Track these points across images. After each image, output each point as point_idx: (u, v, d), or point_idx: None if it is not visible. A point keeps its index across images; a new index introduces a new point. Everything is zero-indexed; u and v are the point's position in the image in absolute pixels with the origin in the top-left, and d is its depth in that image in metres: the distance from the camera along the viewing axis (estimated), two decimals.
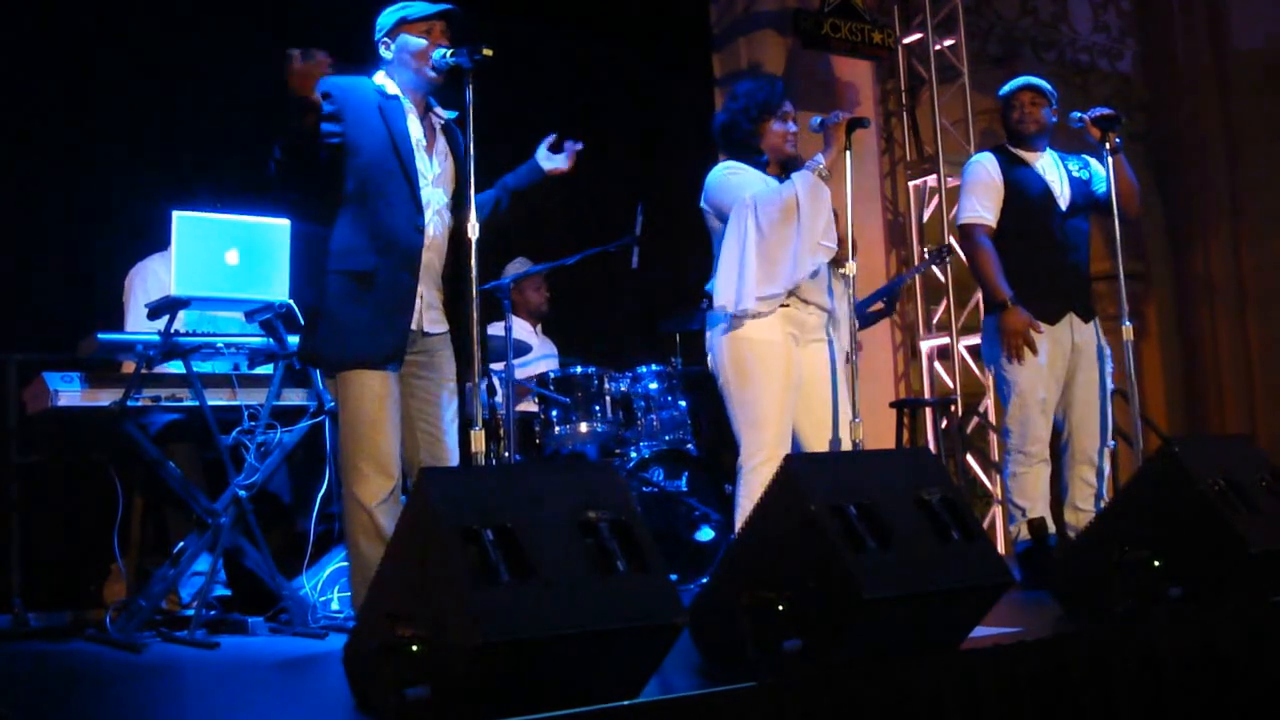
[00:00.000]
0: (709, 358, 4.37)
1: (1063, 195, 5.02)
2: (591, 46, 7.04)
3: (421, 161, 3.87)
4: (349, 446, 3.75)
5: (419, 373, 3.89)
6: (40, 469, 4.83)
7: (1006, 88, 5.17)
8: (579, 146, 4.15)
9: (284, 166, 3.67)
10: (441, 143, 3.96)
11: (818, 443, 4.28)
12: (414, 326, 3.82)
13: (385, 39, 3.91)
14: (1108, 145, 4.86)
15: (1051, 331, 4.93)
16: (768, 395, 4.20)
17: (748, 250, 4.17)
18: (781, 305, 4.23)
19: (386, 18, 3.91)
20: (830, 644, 2.83)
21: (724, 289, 4.21)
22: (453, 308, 3.92)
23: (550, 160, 4.13)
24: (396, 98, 3.88)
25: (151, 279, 4.87)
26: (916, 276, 7.91)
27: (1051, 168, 5.08)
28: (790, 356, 4.24)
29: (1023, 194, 5.01)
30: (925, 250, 7.93)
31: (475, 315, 3.63)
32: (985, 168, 5.08)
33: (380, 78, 3.91)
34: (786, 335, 4.25)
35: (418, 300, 3.82)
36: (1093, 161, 5.12)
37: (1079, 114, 5.01)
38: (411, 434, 3.87)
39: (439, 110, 3.98)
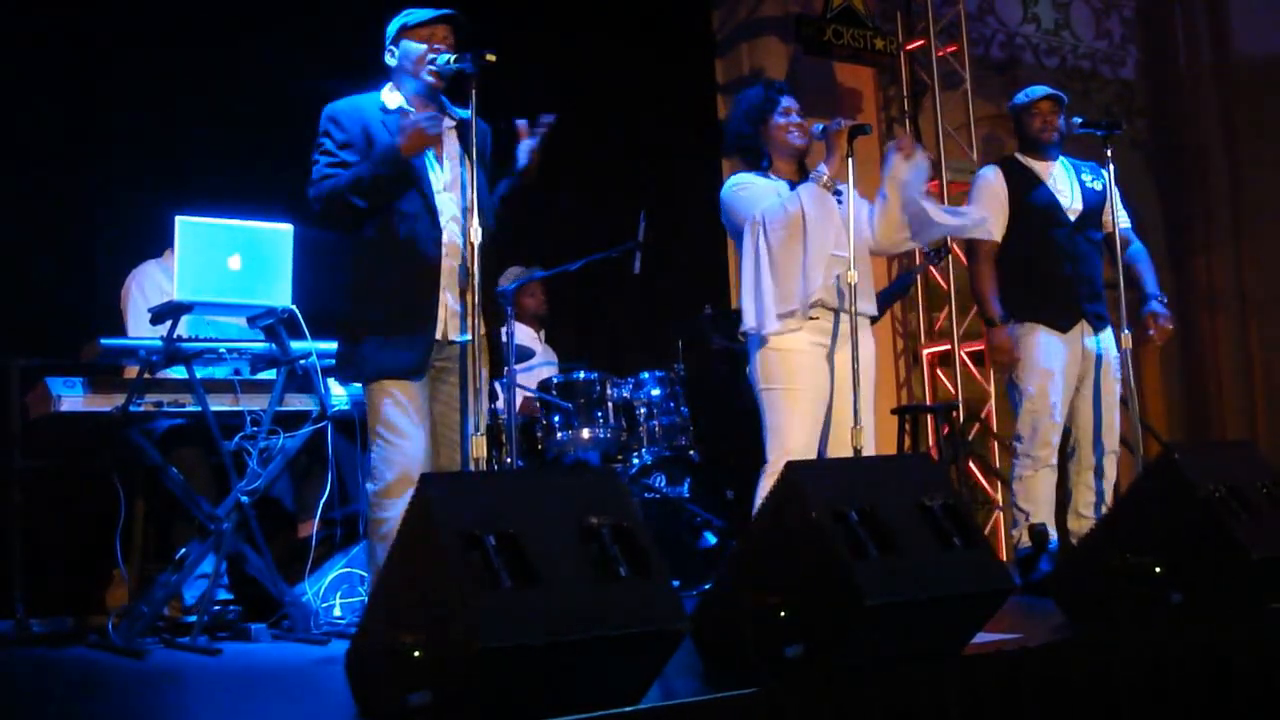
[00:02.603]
0: (748, 367, 4.42)
1: (1072, 206, 5.04)
2: (594, 52, 7.04)
3: (432, 170, 3.89)
4: (374, 454, 3.81)
5: (445, 378, 3.93)
6: (42, 474, 4.82)
7: (1025, 97, 5.17)
8: (549, 120, 3.95)
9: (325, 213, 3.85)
10: (451, 146, 3.97)
11: (839, 448, 4.30)
12: (439, 336, 3.85)
13: (390, 47, 3.94)
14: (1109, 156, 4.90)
15: (1063, 339, 4.96)
16: (794, 403, 4.24)
17: (762, 271, 4.21)
18: (810, 318, 4.25)
19: (390, 27, 3.93)
20: (832, 650, 2.83)
21: (748, 311, 4.26)
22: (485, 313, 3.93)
23: (525, 154, 3.93)
24: (399, 110, 3.89)
25: (149, 283, 4.87)
26: (918, 282, 7.91)
27: (1063, 177, 5.11)
28: (818, 367, 4.27)
29: (1029, 206, 5.05)
30: (924, 251, 7.94)
31: (478, 320, 3.65)
32: (990, 181, 5.14)
33: (386, 91, 3.94)
34: (814, 346, 4.27)
35: (441, 310, 3.85)
36: (1104, 171, 5.13)
37: (1079, 119, 5.03)
38: (434, 439, 3.90)
39: (451, 112, 3.98)
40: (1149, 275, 5.17)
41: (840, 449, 4.29)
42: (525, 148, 3.94)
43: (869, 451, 4.18)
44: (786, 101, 4.46)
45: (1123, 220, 5.16)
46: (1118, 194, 5.11)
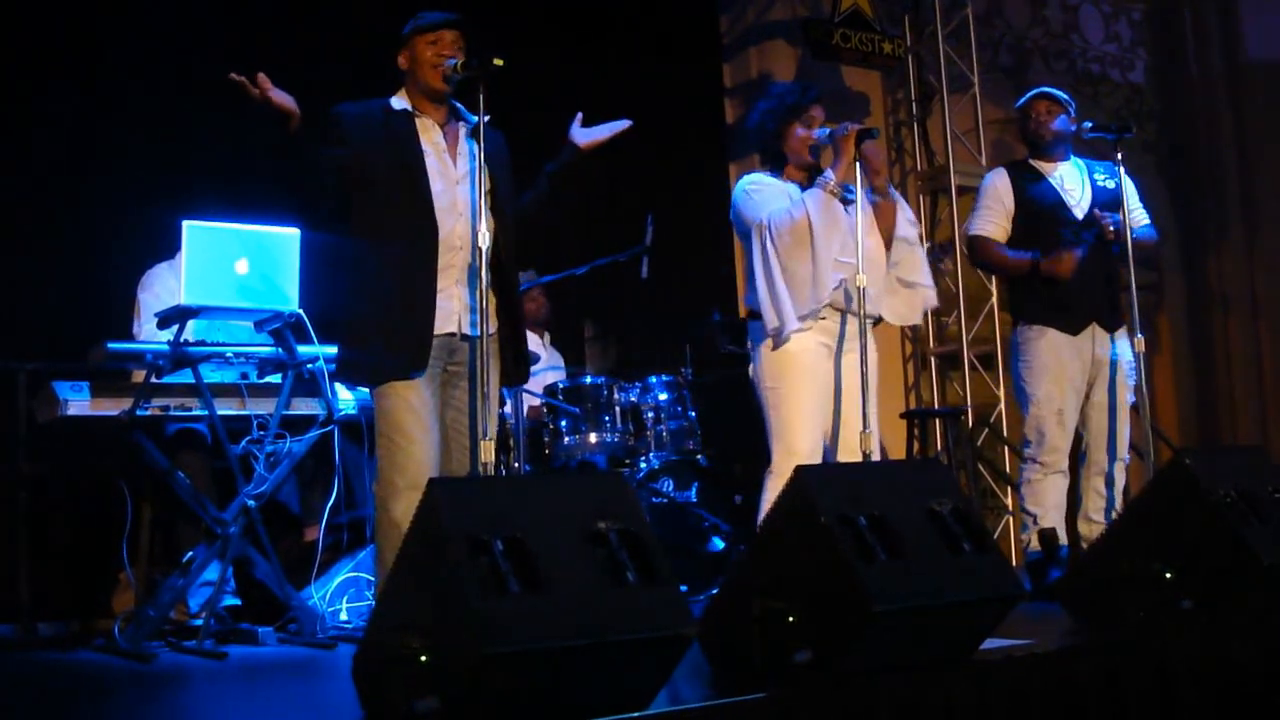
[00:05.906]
0: (750, 367, 4.41)
1: (1080, 205, 5.00)
2: (602, 56, 7.04)
3: (441, 167, 3.88)
4: (382, 459, 3.76)
5: (457, 382, 3.91)
6: (49, 478, 4.84)
7: (1021, 100, 5.19)
8: (624, 125, 4.10)
9: (303, 185, 3.85)
10: (464, 145, 3.97)
11: (845, 450, 4.29)
12: (453, 330, 3.84)
13: (403, 52, 3.95)
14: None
15: (1073, 343, 4.92)
16: (802, 404, 4.24)
17: (775, 275, 4.21)
18: (819, 319, 4.26)
19: (405, 29, 3.95)
20: (840, 655, 2.82)
21: (766, 312, 4.25)
22: (503, 311, 3.93)
23: (585, 135, 4.06)
24: (405, 111, 3.90)
25: (160, 286, 4.87)
26: None
27: (1073, 176, 5.07)
28: (825, 367, 4.27)
29: (1035, 208, 5.01)
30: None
31: (486, 323, 3.64)
32: (995, 184, 5.11)
33: (398, 95, 3.95)
34: (820, 345, 4.28)
35: (452, 303, 3.83)
36: (1121, 170, 5.11)
37: (1089, 124, 5.01)
38: (446, 443, 3.88)
39: (465, 115, 3.99)
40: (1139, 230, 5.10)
41: (847, 454, 4.28)
42: (584, 134, 4.05)
43: (875, 456, 4.18)
44: (816, 113, 4.45)
45: (1142, 218, 5.12)
46: (1135, 193, 5.09)
